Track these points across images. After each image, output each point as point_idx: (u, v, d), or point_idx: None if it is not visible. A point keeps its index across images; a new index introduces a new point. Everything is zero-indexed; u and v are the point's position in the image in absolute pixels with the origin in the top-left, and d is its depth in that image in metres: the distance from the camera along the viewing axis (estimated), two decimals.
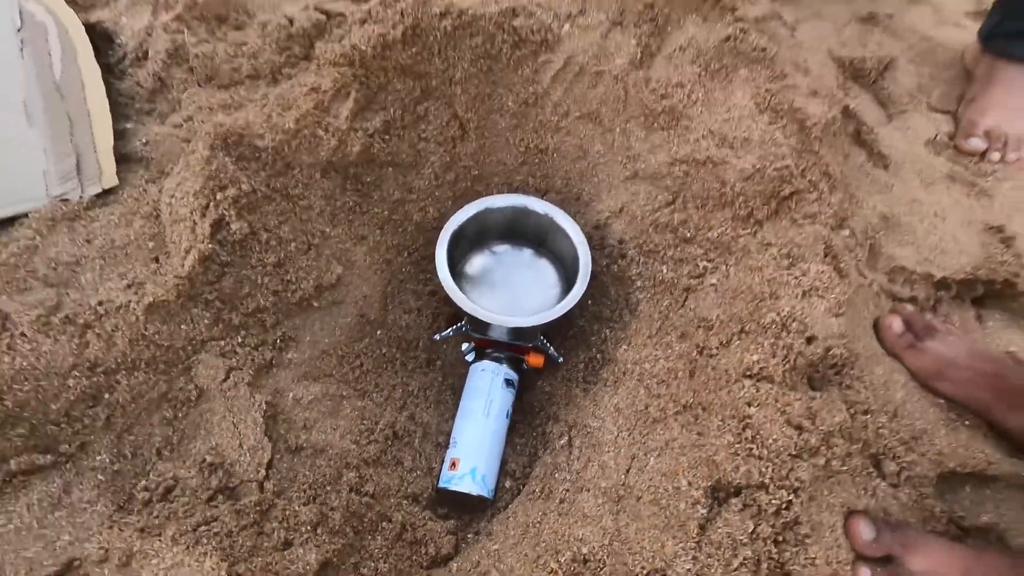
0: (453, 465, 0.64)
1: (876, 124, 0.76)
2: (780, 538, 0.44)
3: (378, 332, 0.72)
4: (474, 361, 0.71)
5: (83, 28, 0.75)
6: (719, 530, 0.44)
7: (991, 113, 0.81)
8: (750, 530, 0.44)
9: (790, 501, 0.44)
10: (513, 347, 0.71)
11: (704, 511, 0.46)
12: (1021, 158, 0.80)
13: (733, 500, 0.46)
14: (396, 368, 0.72)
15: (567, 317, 0.67)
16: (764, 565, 0.42)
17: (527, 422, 0.72)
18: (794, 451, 0.46)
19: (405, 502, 0.61)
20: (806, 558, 0.44)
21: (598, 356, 0.70)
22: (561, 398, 0.70)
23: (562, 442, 0.63)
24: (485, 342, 0.71)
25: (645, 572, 0.44)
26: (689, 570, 0.43)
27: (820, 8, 0.89)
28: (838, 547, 0.45)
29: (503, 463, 0.67)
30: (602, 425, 0.60)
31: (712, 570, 0.43)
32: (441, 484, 0.64)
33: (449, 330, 0.72)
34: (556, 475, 0.61)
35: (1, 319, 0.52)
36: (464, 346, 0.73)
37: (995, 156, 0.80)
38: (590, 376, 0.70)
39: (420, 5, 0.68)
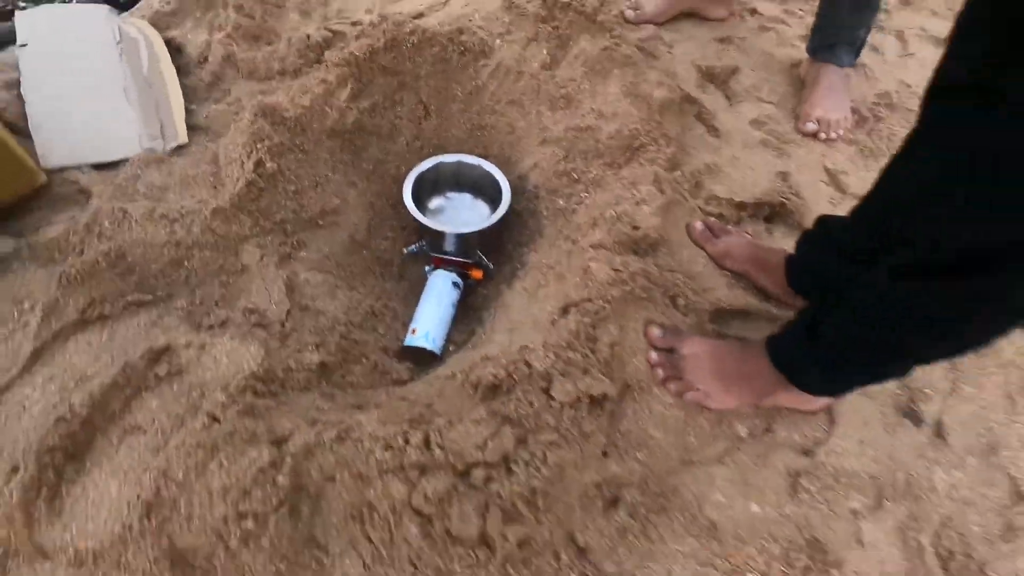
0: (413, 332, 0.93)
1: (718, 109, 1.08)
2: (597, 329, 0.73)
3: (364, 251, 1.02)
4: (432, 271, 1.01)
5: (163, 41, 1.08)
6: (561, 324, 0.74)
7: (818, 106, 1.13)
8: (577, 327, 0.73)
9: (604, 307, 0.74)
10: (459, 263, 1.01)
11: (556, 316, 0.75)
12: (839, 135, 1.12)
13: (572, 309, 0.75)
14: (376, 275, 1.02)
15: (499, 241, 0.97)
16: (583, 338, 0.71)
17: (470, 315, 1.01)
18: (610, 282, 0.76)
19: (378, 351, 0.90)
20: (612, 341, 0.73)
21: (518, 265, 1.00)
22: (492, 295, 1.00)
23: (488, 314, 0.93)
24: (439, 260, 1.01)
25: (518, 348, 0.73)
26: (544, 343, 0.72)
27: (692, 32, 1.23)
28: (638, 338, 0.75)
29: (449, 336, 0.96)
30: (513, 299, 0.90)
31: (555, 345, 0.72)
32: (405, 344, 0.92)
33: (414, 246, 1.02)
34: (481, 335, 0.90)
35: (122, 212, 0.83)
36: (426, 268, 1.03)
37: (822, 136, 1.12)
38: (512, 279, 0.99)
39: (396, 26, 1.01)
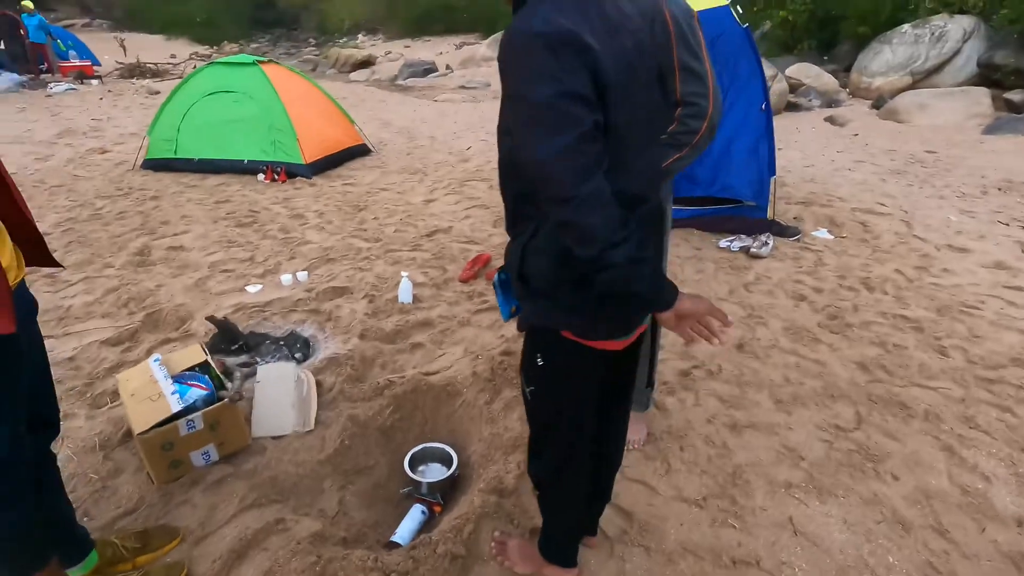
0: (394, 533, 1.85)
1: None
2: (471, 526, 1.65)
3: (382, 489, 2.01)
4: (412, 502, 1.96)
5: (315, 381, 2.32)
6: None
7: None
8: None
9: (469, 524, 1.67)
10: (428, 501, 1.96)
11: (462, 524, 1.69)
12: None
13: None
14: (384, 502, 1.98)
15: (451, 489, 1.94)
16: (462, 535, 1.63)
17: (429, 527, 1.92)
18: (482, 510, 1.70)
19: (378, 547, 1.81)
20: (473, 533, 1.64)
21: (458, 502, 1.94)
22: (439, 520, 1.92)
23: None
24: (418, 499, 1.97)
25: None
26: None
27: None
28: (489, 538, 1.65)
29: (413, 538, 1.86)
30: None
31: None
32: (390, 539, 1.83)
33: (405, 489, 2.00)
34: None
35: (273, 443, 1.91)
36: (415, 506, 1.98)
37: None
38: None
39: (417, 381, 2.21)
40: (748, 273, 3.53)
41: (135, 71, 13.36)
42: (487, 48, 21.78)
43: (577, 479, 1.36)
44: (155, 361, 2.06)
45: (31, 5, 12.60)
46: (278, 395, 2.18)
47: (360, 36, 30.87)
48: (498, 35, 21.90)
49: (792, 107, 9.60)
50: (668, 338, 2.72)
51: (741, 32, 3.62)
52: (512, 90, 0.88)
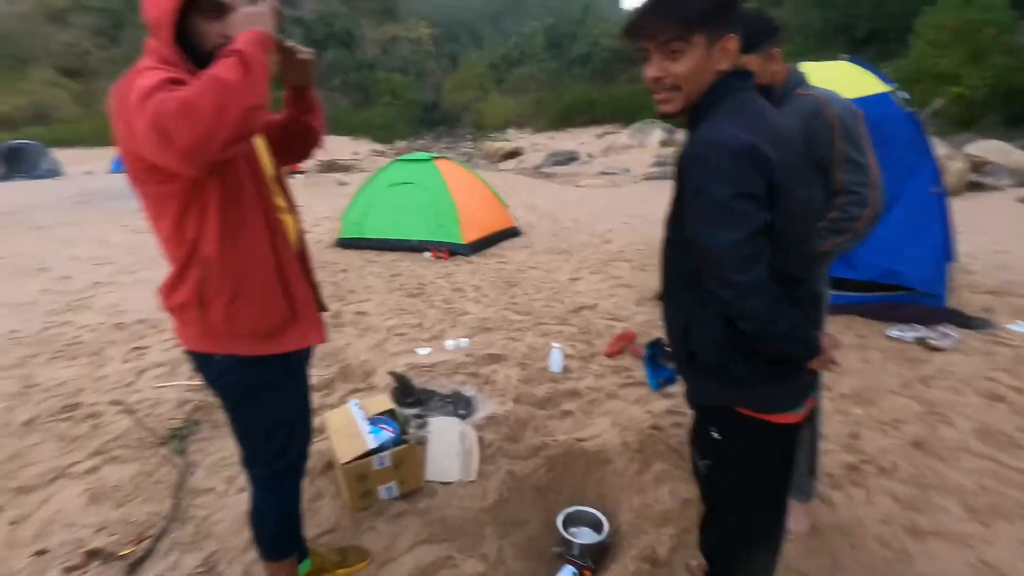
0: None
1: None
2: None
3: (537, 547, 2.13)
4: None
5: (477, 436, 2.57)
6: None
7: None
8: None
9: None
10: (579, 564, 2.03)
11: None
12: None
13: None
14: (536, 558, 2.09)
15: (602, 554, 2.01)
16: None
17: None
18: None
19: None
20: None
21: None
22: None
23: None
24: (568, 559, 2.05)
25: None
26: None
27: None
28: None
29: None
30: None
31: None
32: None
33: (557, 548, 2.10)
34: None
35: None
36: (565, 567, 2.08)
37: None
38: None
39: (569, 446, 2.35)
40: (925, 366, 3.22)
41: (330, 166, 16.07)
42: (627, 137, 22.69)
43: (752, 557, 1.36)
44: (355, 405, 2.46)
45: None
46: (446, 445, 2.46)
47: (510, 130, 33.98)
48: (639, 124, 22.83)
49: (975, 187, 8.66)
50: (831, 427, 2.58)
51: (904, 115, 3.54)
52: (696, 187, 1.05)
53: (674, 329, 1.24)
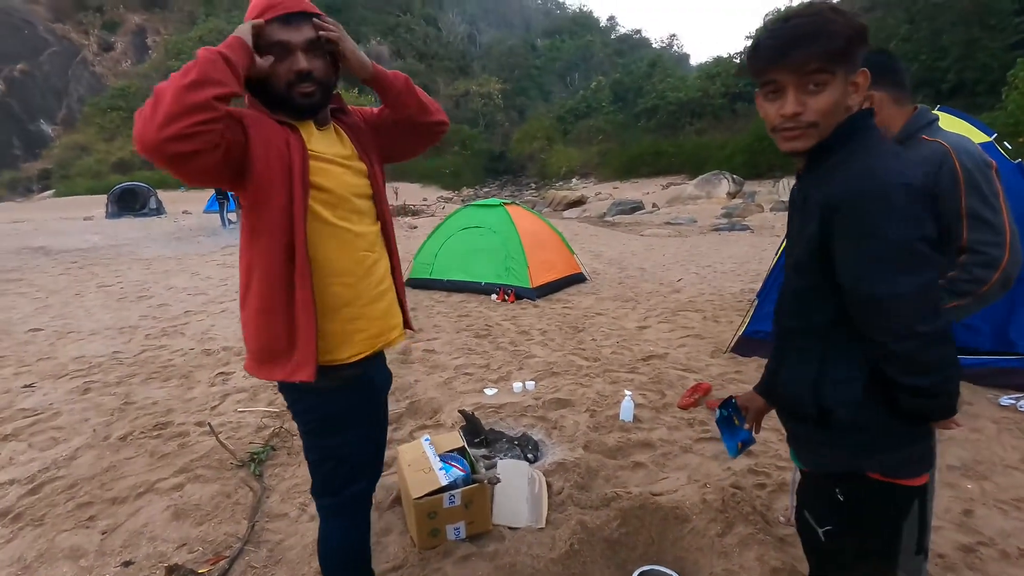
0: None
1: None
2: None
3: None
4: None
5: (545, 480, 2.50)
6: None
7: None
8: None
9: None
10: None
11: None
12: None
13: None
14: None
15: None
16: None
17: None
18: None
19: None
20: None
21: None
22: None
23: None
24: None
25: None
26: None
27: None
28: None
29: None
30: None
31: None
32: None
33: None
34: None
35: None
36: None
37: None
38: None
39: (645, 499, 2.24)
40: None
41: (402, 211, 16.83)
42: (694, 188, 22.48)
43: None
44: (426, 440, 2.47)
45: None
46: (515, 489, 2.40)
47: (575, 179, 34.51)
48: (706, 175, 22.64)
49: None
50: (939, 503, 2.33)
51: (1013, 167, 3.30)
52: (869, 229, 0.94)
53: (796, 386, 1.13)
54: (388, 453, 2.80)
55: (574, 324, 5.27)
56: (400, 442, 2.94)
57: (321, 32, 1.30)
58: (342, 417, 1.42)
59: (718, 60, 36.77)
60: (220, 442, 2.97)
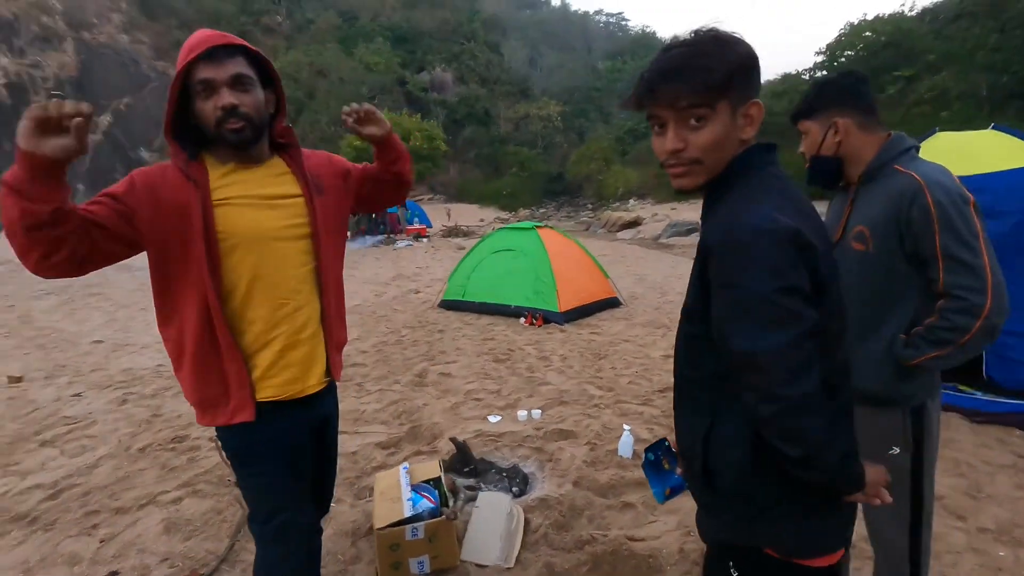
0: None
1: None
2: None
3: None
4: None
5: (523, 520, 2.42)
6: None
7: None
8: None
9: None
10: None
11: None
12: None
13: None
14: None
15: None
16: None
17: None
18: None
19: None
20: None
21: None
22: None
23: None
24: None
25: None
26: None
27: None
28: None
29: None
30: None
31: None
32: None
33: None
34: None
35: None
36: None
37: None
38: None
39: (624, 547, 2.11)
40: None
41: (452, 232, 17.19)
42: None
43: None
44: (404, 468, 2.46)
45: None
46: (491, 524, 2.34)
47: (632, 200, 34.06)
48: None
49: None
50: (963, 568, 2.07)
51: None
52: (730, 279, 0.87)
53: (688, 438, 1.03)
54: (371, 479, 2.82)
55: (597, 351, 5.14)
56: (394, 467, 2.95)
57: (344, 119, 1.49)
58: (252, 452, 1.42)
59: (785, 77, 35.34)
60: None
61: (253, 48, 1.35)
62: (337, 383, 1.65)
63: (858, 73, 1.52)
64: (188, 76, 1.27)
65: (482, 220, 25.44)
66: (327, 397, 1.60)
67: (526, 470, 2.92)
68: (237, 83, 1.29)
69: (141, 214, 1.25)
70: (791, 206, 0.91)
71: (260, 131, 1.38)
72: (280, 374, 1.41)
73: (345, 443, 3.30)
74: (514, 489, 2.73)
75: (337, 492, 2.74)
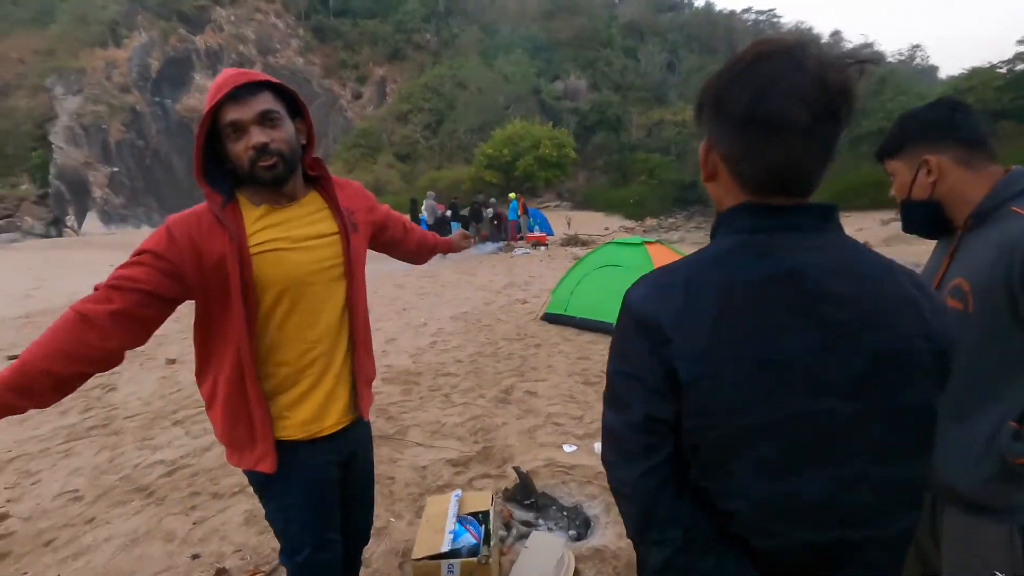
0: None
1: None
2: None
3: None
4: None
5: (574, 569, 2.25)
6: None
7: None
8: None
9: None
10: None
11: None
12: None
13: None
14: None
15: None
16: None
17: None
18: None
19: None
20: None
21: None
22: None
23: None
24: None
25: None
26: None
27: None
28: None
29: None
30: None
31: None
32: None
33: None
34: None
35: None
36: None
37: None
38: None
39: None
40: None
41: (570, 240, 17.07)
42: None
43: None
44: (455, 496, 2.42)
45: (513, 195, 18.19)
46: (538, 569, 2.21)
47: None
48: None
49: None
50: None
51: None
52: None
53: None
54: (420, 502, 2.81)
55: None
56: (459, 487, 2.93)
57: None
58: (274, 490, 1.44)
59: (973, 72, 30.02)
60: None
61: (276, 81, 1.35)
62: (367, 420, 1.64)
63: (952, 101, 1.22)
64: (217, 120, 1.29)
65: (607, 228, 24.92)
66: (353, 432, 1.58)
67: (589, 512, 2.73)
68: (265, 120, 1.29)
69: (186, 269, 1.27)
70: (661, 285, 0.80)
71: (293, 165, 1.37)
72: (298, 416, 1.43)
73: (419, 456, 3.36)
74: (571, 532, 2.57)
75: (399, 507, 2.79)
